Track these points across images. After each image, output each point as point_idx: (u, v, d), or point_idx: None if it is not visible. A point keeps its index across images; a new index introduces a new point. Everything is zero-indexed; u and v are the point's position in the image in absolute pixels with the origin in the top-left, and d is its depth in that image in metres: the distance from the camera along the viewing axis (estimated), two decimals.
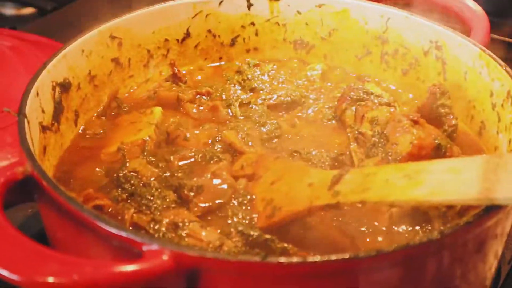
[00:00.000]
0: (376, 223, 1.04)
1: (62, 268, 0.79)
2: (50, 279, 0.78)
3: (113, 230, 0.83)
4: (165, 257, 0.80)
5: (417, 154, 1.09)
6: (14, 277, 0.78)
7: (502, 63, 1.21)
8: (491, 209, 0.86)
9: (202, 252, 0.81)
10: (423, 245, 0.82)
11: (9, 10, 2.19)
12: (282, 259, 0.79)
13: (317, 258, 0.79)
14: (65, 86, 1.24)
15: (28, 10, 2.18)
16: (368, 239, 1.02)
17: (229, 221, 1.04)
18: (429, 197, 0.87)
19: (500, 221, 0.91)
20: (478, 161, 0.86)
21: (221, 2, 1.51)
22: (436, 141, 1.10)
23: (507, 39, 1.87)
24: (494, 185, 0.81)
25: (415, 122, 1.13)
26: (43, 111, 1.15)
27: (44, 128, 1.15)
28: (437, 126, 1.20)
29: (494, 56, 1.24)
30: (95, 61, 1.34)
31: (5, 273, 0.79)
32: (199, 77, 1.50)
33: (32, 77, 1.14)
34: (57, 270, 0.78)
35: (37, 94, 1.13)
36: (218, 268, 0.81)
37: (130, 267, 0.79)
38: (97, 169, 1.19)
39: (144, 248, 0.82)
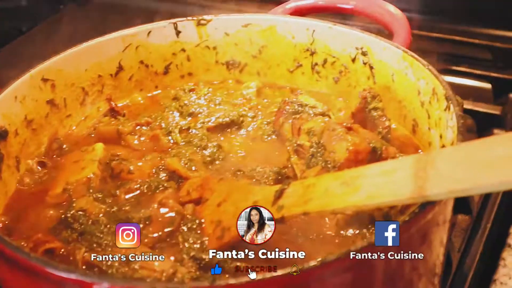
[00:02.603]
0: (324, 231, 1.07)
1: None
2: None
3: (63, 274, 0.84)
4: None
5: (355, 159, 1.12)
6: None
7: (425, 62, 1.25)
8: (426, 205, 0.90)
9: (152, 284, 0.82)
10: (366, 249, 0.85)
11: None
12: (232, 281, 0.81)
13: (267, 275, 0.82)
14: (1, 135, 1.24)
15: None
16: (317, 247, 1.04)
17: (181, 247, 1.05)
18: (367, 202, 0.90)
19: (436, 214, 0.95)
20: (409, 161, 0.89)
21: (149, 32, 1.52)
22: (371, 145, 1.13)
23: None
24: (425, 182, 0.84)
25: (349, 129, 1.17)
26: None
27: None
28: (372, 129, 1.24)
29: (417, 56, 1.28)
30: (30, 106, 1.33)
31: None
32: (137, 109, 1.51)
33: None
34: None
35: None
36: None
37: None
38: (45, 212, 1.18)
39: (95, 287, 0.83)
